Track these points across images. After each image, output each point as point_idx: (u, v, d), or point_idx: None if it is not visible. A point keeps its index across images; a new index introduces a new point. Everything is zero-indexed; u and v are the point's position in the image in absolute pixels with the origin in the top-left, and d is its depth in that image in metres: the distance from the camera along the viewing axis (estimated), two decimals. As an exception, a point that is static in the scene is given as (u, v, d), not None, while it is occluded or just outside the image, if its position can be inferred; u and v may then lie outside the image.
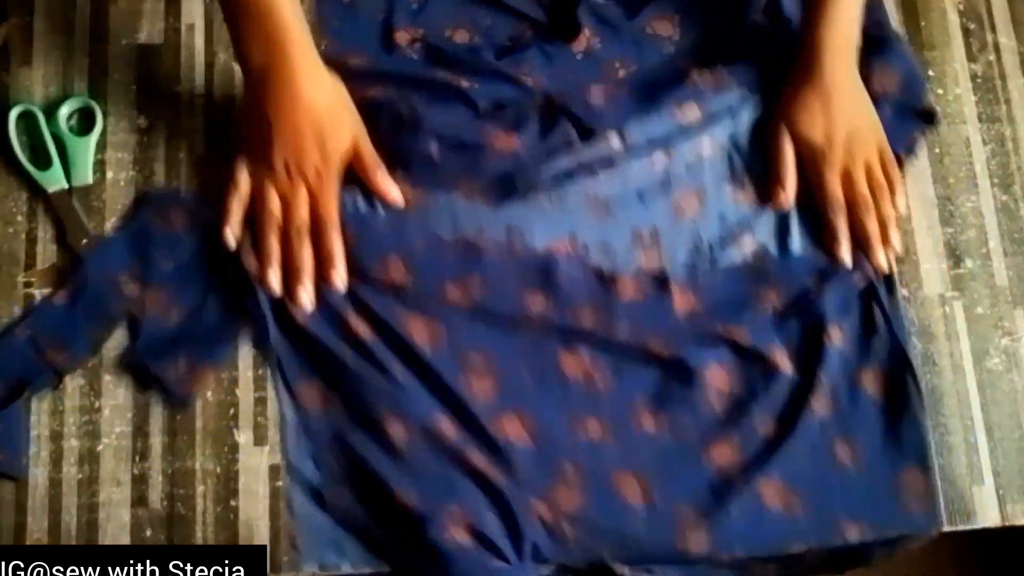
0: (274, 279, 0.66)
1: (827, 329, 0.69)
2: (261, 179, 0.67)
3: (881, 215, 0.72)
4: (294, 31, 0.63)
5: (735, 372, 0.69)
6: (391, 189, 0.68)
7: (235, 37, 0.65)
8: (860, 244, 0.71)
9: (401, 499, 0.63)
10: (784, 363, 0.68)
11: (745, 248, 0.71)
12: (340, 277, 0.67)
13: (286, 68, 0.63)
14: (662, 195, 0.71)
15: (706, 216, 0.71)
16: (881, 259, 0.71)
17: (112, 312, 0.69)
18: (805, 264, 0.71)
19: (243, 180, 0.68)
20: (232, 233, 0.67)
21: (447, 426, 0.65)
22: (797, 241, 0.72)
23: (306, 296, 0.66)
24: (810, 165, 0.72)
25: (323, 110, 0.65)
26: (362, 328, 0.66)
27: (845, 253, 0.71)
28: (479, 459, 0.64)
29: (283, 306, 0.67)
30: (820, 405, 0.68)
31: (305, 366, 0.67)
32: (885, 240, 0.72)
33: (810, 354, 0.69)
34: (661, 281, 0.70)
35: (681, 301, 0.69)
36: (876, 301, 0.71)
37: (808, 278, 0.71)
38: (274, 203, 0.67)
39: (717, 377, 0.68)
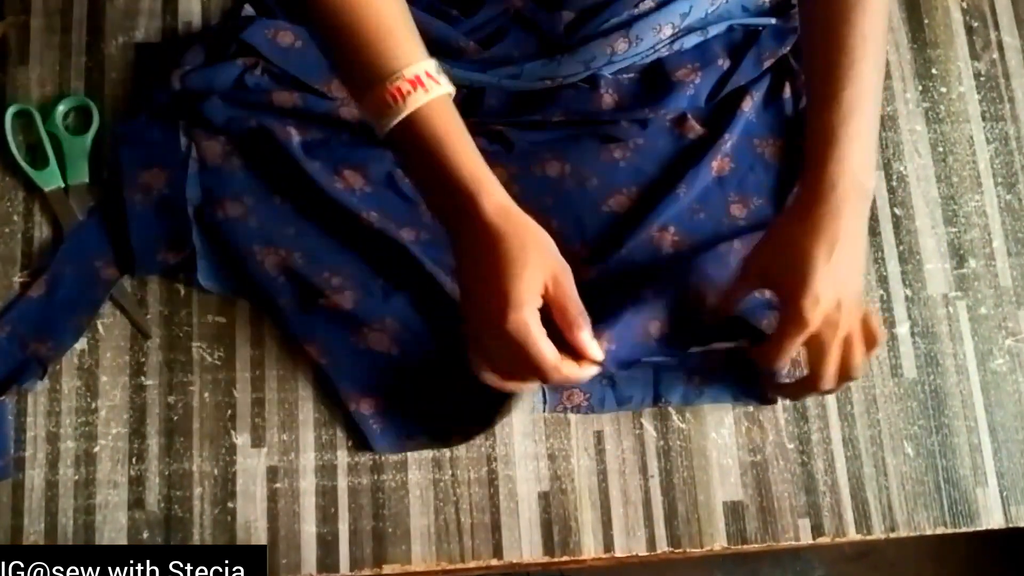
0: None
1: (743, 97, 0.74)
2: (479, 346, 0.59)
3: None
4: (475, 180, 0.55)
5: (645, 137, 0.74)
6: (591, 347, 0.58)
7: (422, 194, 0.59)
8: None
9: None
10: (694, 126, 0.74)
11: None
12: (595, 363, 0.59)
13: (467, 219, 0.55)
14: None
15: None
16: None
17: (92, 297, 0.68)
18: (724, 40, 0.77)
19: (475, 360, 0.59)
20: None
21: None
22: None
23: (585, 369, 0.59)
24: (782, 319, 0.60)
25: (507, 257, 0.55)
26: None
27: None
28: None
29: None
30: (720, 164, 0.73)
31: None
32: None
33: (722, 119, 0.74)
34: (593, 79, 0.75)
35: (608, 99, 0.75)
36: (786, 73, 0.76)
37: (727, 52, 0.76)
38: (502, 367, 0.59)
39: (630, 138, 0.74)
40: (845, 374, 0.61)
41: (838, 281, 0.58)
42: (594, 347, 0.58)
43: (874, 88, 0.60)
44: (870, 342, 0.61)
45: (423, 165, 0.55)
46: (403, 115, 0.54)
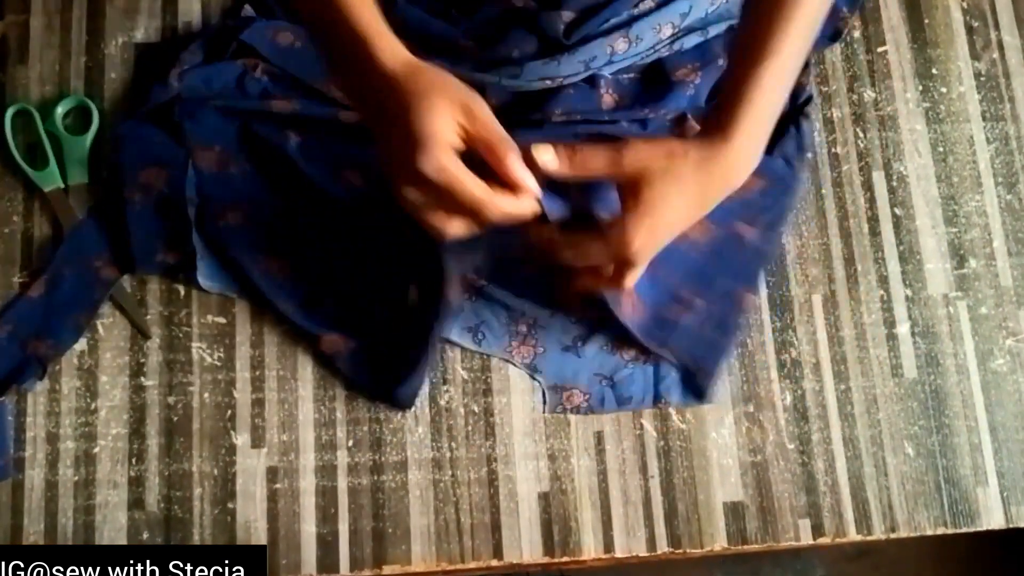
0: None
1: None
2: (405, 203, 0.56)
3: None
4: (363, 31, 0.54)
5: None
6: (525, 178, 0.55)
7: (328, 68, 0.60)
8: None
9: None
10: (694, 126, 0.73)
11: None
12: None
13: (358, 68, 0.54)
14: None
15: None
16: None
17: (91, 297, 0.69)
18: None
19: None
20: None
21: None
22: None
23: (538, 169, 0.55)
24: (614, 222, 0.58)
25: (402, 102, 0.53)
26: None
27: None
28: None
29: None
30: None
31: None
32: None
33: None
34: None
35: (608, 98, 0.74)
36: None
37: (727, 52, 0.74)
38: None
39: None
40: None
41: (655, 236, 0.58)
42: (528, 176, 0.54)
43: (797, 60, 0.58)
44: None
45: (320, 18, 0.55)
46: None
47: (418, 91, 0.52)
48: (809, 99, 0.75)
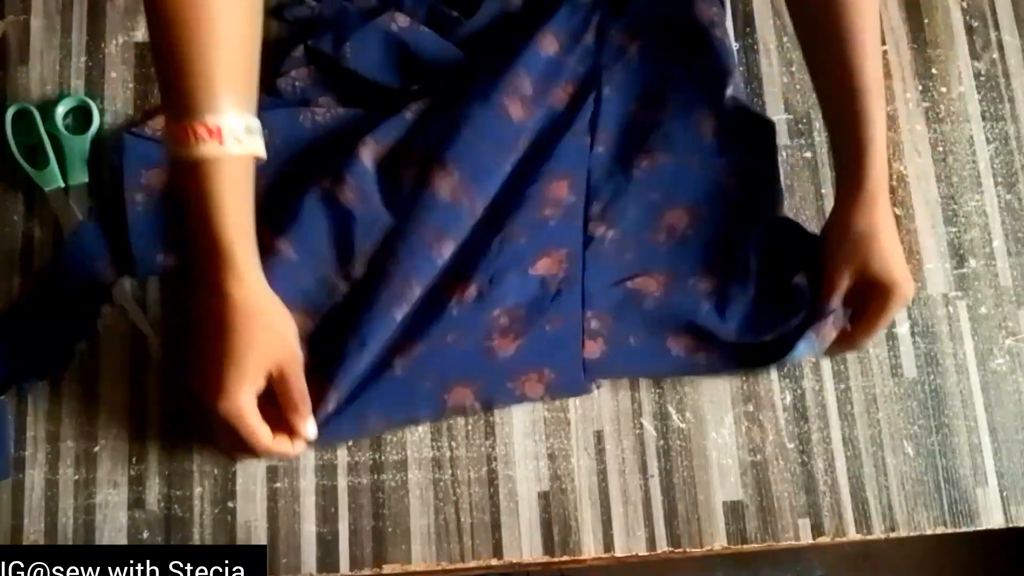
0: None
1: None
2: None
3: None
4: (236, 250, 0.56)
5: None
6: (307, 430, 0.62)
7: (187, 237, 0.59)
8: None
9: None
10: None
11: None
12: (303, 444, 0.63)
13: (214, 284, 0.57)
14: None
15: None
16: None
17: (91, 297, 0.69)
18: None
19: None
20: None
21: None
22: None
23: (299, 446, 0.63)
24: (877, 304, 0.67)
25: (239, 338, 0.57)
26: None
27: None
28: None
29: None
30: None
31: None
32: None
33: None
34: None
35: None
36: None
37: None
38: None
39: None
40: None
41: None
42: (310, 429, 0.62)
43: (880, 81, 0.66)
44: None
45: (193, 214, 0.56)
46: (191, 158, 0.54)
47: (247, 338, 0.57)
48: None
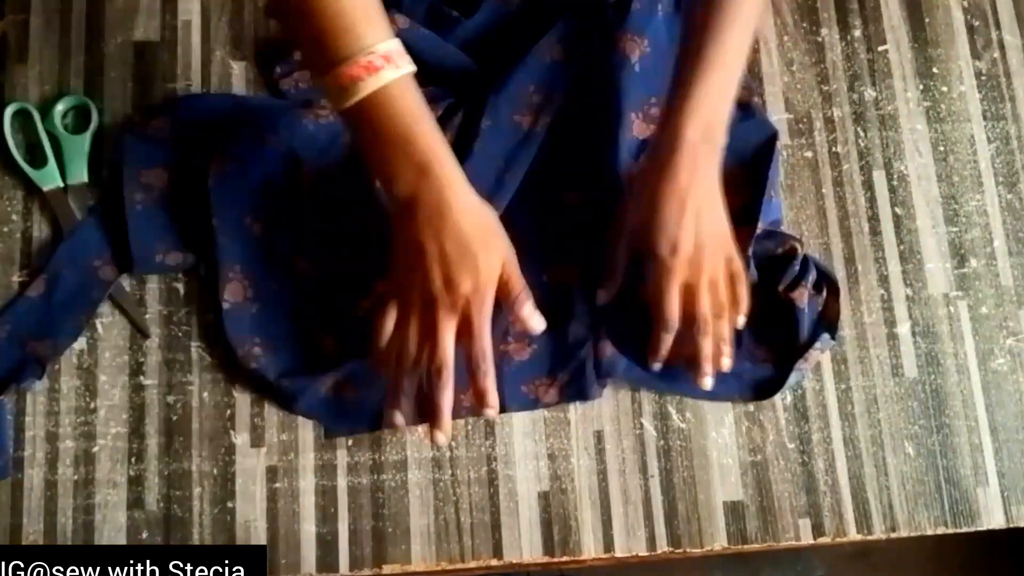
0: (399, 418, 0.61)
1: None
2: (407, 313, 0.61)
3: (717, 335, 0.65)
4: (440, 156, 0.58)
5: None
6: (533, 318, 0.63)
7: (377, 167, 0.60)
8: (688, 360, 0.66)
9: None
10: None
11: None
12: (494, 410, 0.61)
13: (435, 194, 0.58)
14: None
15: None
16: (706, 379, 0.65)
17: (91, 297, 0.68)
18: None
19: (389, 325, 0.62)
20: (398, 410, 0.61)
21: None
22: None
23: (443, 438, 0.60)
24: (651, 272, 0.64)
25: (475, 235, 0.59)
26: None
27: (656, 367, 0.68)
28: None
29: None
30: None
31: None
32: (716, 359, 0.65)
33: None
34: None
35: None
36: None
37: None
38: (413, 343, 0.60)
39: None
40: (717, 313, 0.64)
41: (697, 226, 0.62)
42: (537, 318, 0.63)
43: (737, 47, 0.63)
44: (735, 280, 0.65)
45: (389, 139, 0.57)
46: (371, 89, 0.56)
47: (480, 228, 0.59)
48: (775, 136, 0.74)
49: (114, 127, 0.72)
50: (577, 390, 0.69)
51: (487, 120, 0.71)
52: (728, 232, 0.64)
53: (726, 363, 0.66)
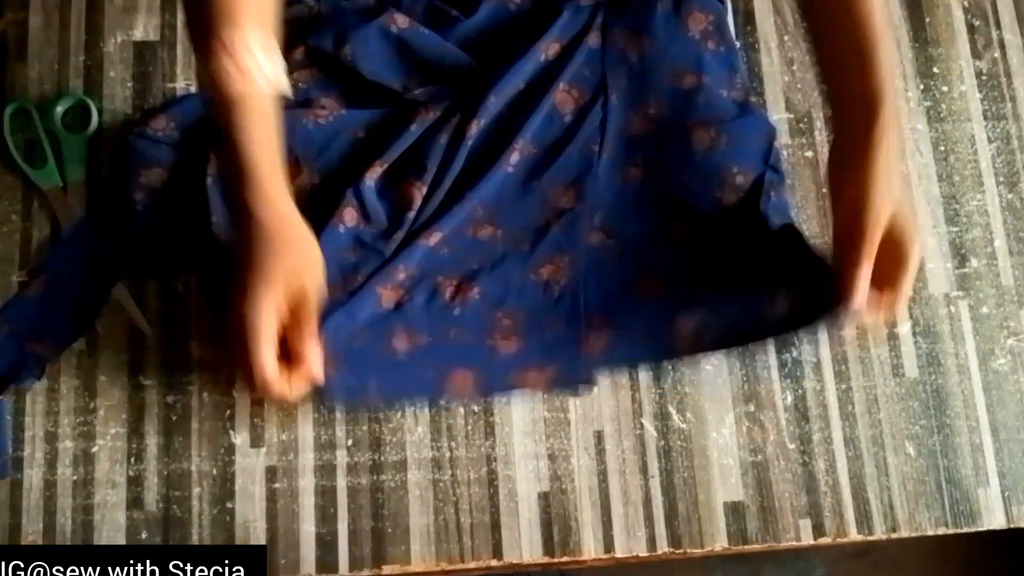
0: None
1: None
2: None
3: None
4: (264, 167, 0.59)
5: None
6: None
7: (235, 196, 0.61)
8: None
9: None
10: None
11: None
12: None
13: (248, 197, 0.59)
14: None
15: None
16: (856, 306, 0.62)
17: (90, 296, 0.68)
18: None
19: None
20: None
21: None
22: None
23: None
24: (855, 242, 0.61)
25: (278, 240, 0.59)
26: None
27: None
28: None
29: None
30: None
31: None
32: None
33: None
34: None
35: None
36: None
37: None
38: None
39: None
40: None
41: (894, 197, 0.60)
42: (316, 362, 0.60)
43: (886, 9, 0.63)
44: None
45: (228, 136, 0.58)
46: (237, 93, 0.56)
47: (275, 244, 0.58)
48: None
49: (113, 126, 0.72)
50: (565, 380, 0.69)
51: (481, 121, 0.71)
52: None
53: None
